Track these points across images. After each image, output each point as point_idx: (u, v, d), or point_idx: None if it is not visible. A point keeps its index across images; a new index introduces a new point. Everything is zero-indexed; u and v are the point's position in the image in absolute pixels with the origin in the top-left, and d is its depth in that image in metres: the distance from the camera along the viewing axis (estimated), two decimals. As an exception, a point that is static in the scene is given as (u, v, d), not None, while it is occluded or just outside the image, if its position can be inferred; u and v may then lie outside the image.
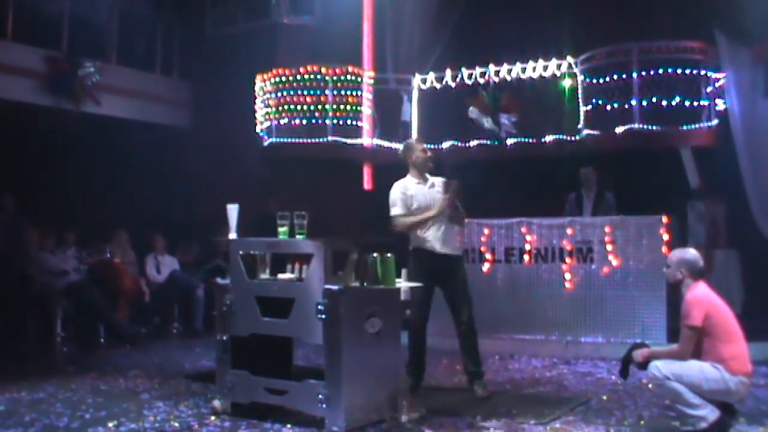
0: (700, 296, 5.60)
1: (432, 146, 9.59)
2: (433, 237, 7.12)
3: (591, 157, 11.03)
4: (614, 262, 9.56)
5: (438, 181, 7.30)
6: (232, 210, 6.63)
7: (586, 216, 10.38)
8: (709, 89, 11.18)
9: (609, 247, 9.60)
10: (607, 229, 9.65)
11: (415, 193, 7.18)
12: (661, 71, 11.04)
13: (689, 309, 5.53)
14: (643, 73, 11.08)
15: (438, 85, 13.00)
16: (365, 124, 12.85)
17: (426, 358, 7.32)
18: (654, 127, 10.98)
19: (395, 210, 7.20)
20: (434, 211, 7.08)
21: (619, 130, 11.08)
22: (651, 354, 5.67)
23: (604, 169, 10.77)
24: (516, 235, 10.12)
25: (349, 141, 12.70)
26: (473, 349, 7.23)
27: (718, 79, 11.28)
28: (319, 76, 12.76)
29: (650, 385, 6.47)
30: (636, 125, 11.02)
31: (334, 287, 5.90)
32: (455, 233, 7.35)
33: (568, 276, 9.81)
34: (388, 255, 6.28)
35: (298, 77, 12.80)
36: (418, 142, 7.51)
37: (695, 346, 5.50)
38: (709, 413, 5.40)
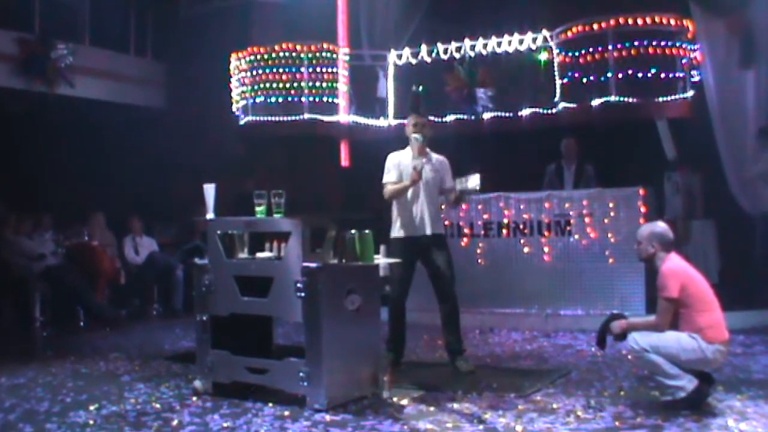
0: (675, 268, 5.64)
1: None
2: (415, 215, 7.14)
3: (567, 130, 11.04)
4: (592, 235, 9.62)
5: (437, 158, 7.30)
6: (209, 190, 6.62)
7: (568, 188, 10.42)
8: (684, 61, 11.18)
9: (587, 220, 9.65)
10: (584, 202, 9.70)
11: (405, 167, 7.19)
12: (636, 44, 11.03)
13: (665, 281, 5.57)
14: (619, 46, 11.06)
15: (413, 61, 12.91)
16: (341, 101, 12.78)
17: (406, 333, 7.34)
18: (630, 100, 10.98)
19: (387, 177, 7.26)
20: (407, 182, 7.08)
21: (595, 102, 11.08)
22: (629, 325, 5.71)
23: (580, 141, 10.80)
24: (494, 209, 10.16)
25: (325, 118, 12.61)
26: (455, 327, 7.25)
27: (693, 51, 11.28)
28: (294, 54, 12.66)
29: (630, 356, 6.52)
30: (612, 98, 11.01)
31: (313, 265, 5.90)
32: (439, 211, 7.36)
33: (546, 249, 9.85)
34: (367, 231, 6.28)
35: (273, 55, 12.69)
36: (411, 117, 7.44)
37: (672, 317, 5.54)
38: (687, 383, 5.45)
